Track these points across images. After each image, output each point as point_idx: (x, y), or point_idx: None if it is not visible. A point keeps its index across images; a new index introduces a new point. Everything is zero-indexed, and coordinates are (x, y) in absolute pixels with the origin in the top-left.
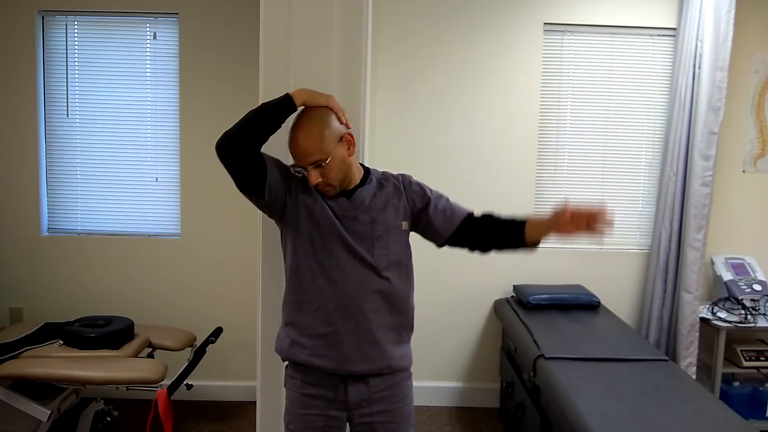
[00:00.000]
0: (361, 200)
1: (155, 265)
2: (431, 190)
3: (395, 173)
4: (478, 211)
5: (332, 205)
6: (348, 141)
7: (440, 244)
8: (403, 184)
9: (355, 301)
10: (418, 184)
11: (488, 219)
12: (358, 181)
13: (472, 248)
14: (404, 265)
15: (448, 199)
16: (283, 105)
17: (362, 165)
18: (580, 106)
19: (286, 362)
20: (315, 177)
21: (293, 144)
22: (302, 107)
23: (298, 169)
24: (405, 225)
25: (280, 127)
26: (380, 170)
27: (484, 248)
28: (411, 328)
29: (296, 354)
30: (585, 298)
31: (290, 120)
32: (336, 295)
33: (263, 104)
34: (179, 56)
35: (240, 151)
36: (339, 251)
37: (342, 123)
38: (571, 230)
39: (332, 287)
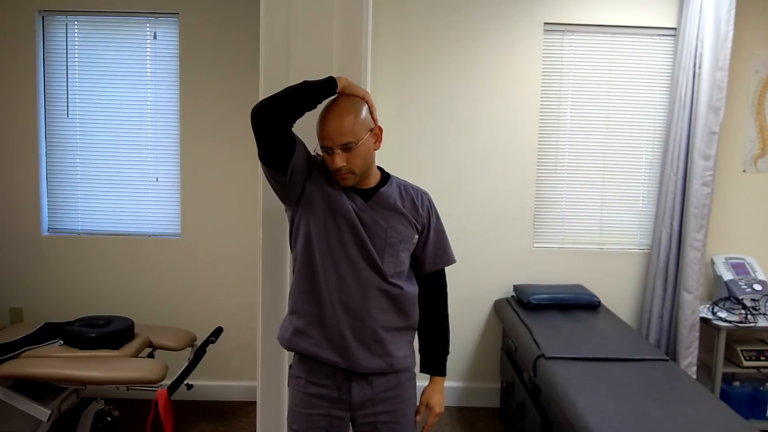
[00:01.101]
0: (380, 202)
1: (155, 265)
2: (437, 221)
3: (415, 185)
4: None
5: (350, 202)
6: (377, 135)
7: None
8: (422, 201)
9: (361, 298)
10: (431, 210)
11: (437, 315)
12: (374, 184)
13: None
14: (408, 272)
15: (443, 235)
16: (325, 85)
17: (381, 169)
18: (580, 106)
19: (290, 363)
20: (340, 160)
21: (325, 123)
22: (338, 94)
23: (325, 148)
24: (415, 239)
25: (315, 107)
26: (400, 178)
27: (422, 311)
28: (414, 330)
29: (299, 344)
30: (585, 297)
31: (321, 106)
32: (343, 289)
33: (304, 81)
34: (179, 56)
35: (273, 120)
36: (352, 246)
37: (373, 118)
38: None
39: (341, 281)
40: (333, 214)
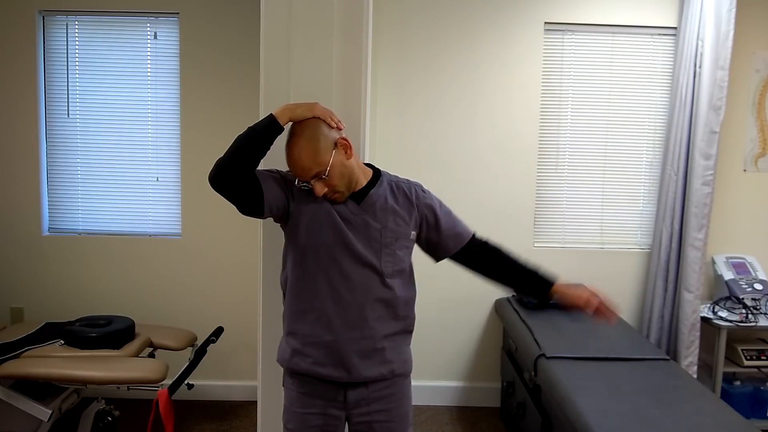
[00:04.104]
0: (372, 204)
1: (156, 265)
2: (440, 205)
3: (405, 179)
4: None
5: (340, 209)
6: (343, 145)
7: (438, 260)
8: (416, 194)
9: (358, 310)
10: (429, 198)
11: (505, 256)
12: (365, 183)
13: (469, 267)
14: (407, 272)
15: (452, 215)
16: (269, 128)
17: (371, 166)
18: (580, 106)
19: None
20: (320, 189)
21: (290, 162)
22: (290, 123)
23: (304, 183)
24: (413, 235)
25: (269, 149)
26: (392, 174)
27: (486, 275)
28: (411, 333)
29: (298, 363)
30: None
31: (284, 136)
32: (338, 304)
33: (249, 129)
34: (180, 56)
35: (234, 179)
36: (343, 258)
37: (333, 127)
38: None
39: (335, 295)
40: (320, 229)
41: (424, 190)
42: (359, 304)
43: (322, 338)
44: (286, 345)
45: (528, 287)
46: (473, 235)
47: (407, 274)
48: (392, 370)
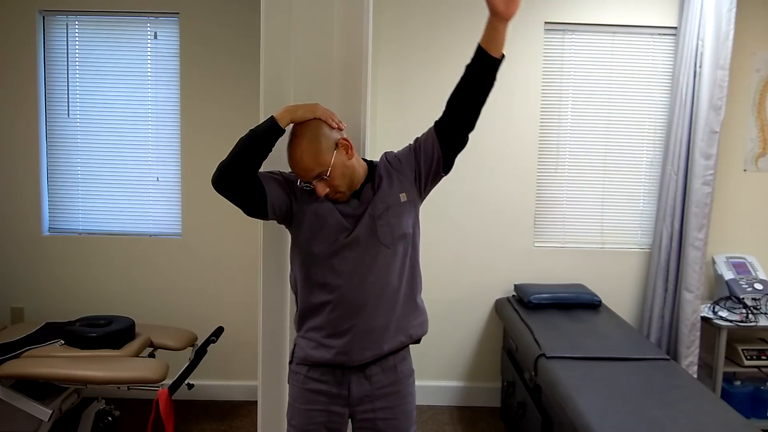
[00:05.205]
0: (369, 196)
1: (156, 265)
2: (410, 147)
3: (378, 161)
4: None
5: (342, 206)
6: (344, 146)
7: (446, 167)
8: (388, 161)
9: (370, 291)
10: (400, 154)
11: (450, 98)
12: (363, 179)
13: (467, 128)
14: (410, 234)
15: (417, 138)
16: (271, 130)
17: (366, 160)
18: (581, 105)
19: (289, 360)
20: (322, 189)
21: (291, 163)
22: (291, 125)
23: (305, 184)
24: (403, 197)
25: (271, 150)
26: (376, 162)
27: (471, 114)
28: (421, 289)
29: (324, 356)
30: (586, 297)
31: (286, 137)
32: (351, 291)
33: (251, 131)
34: (180, 56)
35: (236, 182)
36: (348, 248)
37: (334, 128)
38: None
39: (346, 284)
40: (323, 226)
41: (393, 153)
42: (369, 285)
43: (341, 327)
44: (307, 342)
45: (477, 70)
46: (435, 123)
47: (410, 237)
48: (410, 335)
